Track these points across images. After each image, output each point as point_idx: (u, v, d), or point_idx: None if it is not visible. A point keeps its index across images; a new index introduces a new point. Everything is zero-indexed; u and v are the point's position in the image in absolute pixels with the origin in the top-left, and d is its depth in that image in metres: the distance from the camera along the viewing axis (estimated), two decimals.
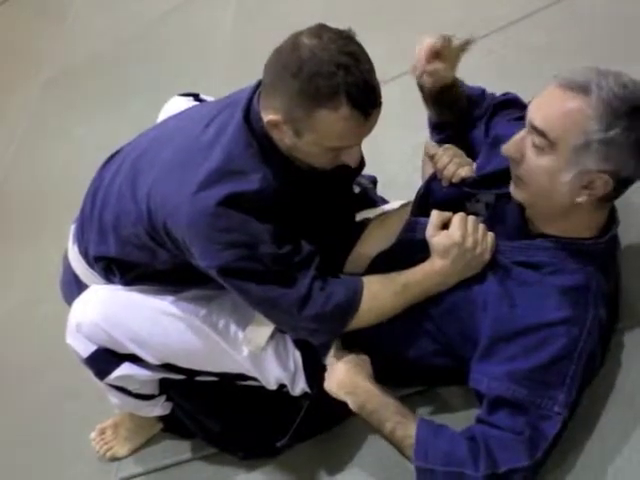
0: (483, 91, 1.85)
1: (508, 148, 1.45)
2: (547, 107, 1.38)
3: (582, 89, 1.34)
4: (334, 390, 1.62)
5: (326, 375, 1.66)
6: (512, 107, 1.79)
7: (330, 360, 1.68)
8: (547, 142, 1.38)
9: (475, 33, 1.72)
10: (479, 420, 1.49)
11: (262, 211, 1.52)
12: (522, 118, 1.70)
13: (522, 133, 1.43)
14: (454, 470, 1.44)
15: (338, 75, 1.41)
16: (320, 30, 1.46)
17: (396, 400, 1.57)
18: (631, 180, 1.42)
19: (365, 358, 1.67)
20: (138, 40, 3.90)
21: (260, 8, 3.54)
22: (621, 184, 1.41)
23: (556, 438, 1.43)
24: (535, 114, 1.40)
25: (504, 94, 1.83)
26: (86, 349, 1.73)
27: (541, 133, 1.38)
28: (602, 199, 1.43)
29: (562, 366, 1.43)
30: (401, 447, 1.52)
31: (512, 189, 1.50)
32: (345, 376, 1.62)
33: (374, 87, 1.46)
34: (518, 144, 1.44)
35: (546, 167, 1.40)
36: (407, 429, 1.51)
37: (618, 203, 1.48)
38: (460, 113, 1.81)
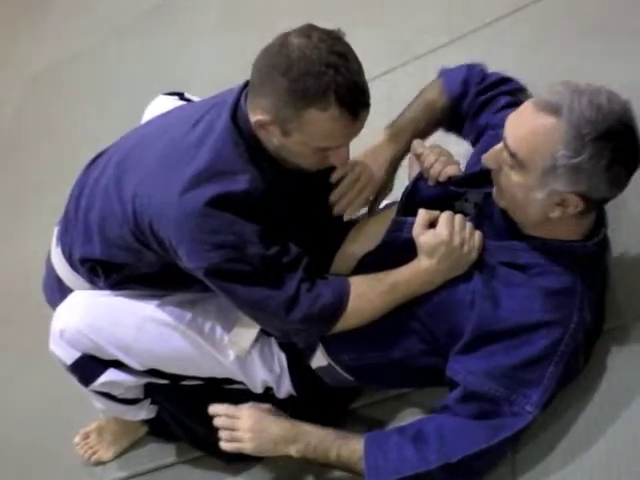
0: (464, 82, 1.76)
1: (487, 158, 1.44)
2: (519, 127, 1.37)
3: (554, 110, 1.32)
4: (270, 450, 1.62)
5: (244, 444, 1.62)
6: (497, 97, 1.74)
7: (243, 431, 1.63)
8: (516, 162, 1.37)
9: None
10: (445, 407, 1.51)
11: (250, 212, 1.51)
12: (509, 105, 1.68)
13: (500, 146, 1.42)
14: (407, 475, 1.47)
15: (328, 75, 1.40)
16: (309, 30, 1.45)
17: (328, 427, 1.60)
18: (606, 200, 1.41)
19: (265, 405, 1.68)
20: (122, 38, 3.87)
21: (243, 7, 3.52)
22: (595, 204, 1.41)
23: (518, 433, 1.45)
24: (508, 132, 1.39)
25: (488, 85, 1.75)
26: (70, 356, 1.71)
27: (511, 153, 1.37)
28: (578, 214, 1.42)
29: (540, 366, 1.44)
30: (351, 465, 1.56)
31: (495, 196, 1.50)
32: (275, 427, 1.61)
33: (363, 88, 1.46)
34: (495, 156, 1.42)
35: (519, 183, 1.39)
36: (350, 445, 1.55)
37: (610, 203, 1.47)
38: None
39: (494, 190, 1.49)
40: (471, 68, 1.79)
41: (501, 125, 1.63)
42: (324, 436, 1.59)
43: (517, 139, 1.36)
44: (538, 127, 1.34)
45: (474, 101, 1.76)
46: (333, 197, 1.67)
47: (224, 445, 1.64)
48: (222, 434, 1.64)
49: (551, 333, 1.43)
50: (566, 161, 1.32)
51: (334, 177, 1.67)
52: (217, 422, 1.65)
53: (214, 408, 1.66)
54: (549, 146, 1.33)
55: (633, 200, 1.59)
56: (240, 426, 1.63)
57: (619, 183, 1.37)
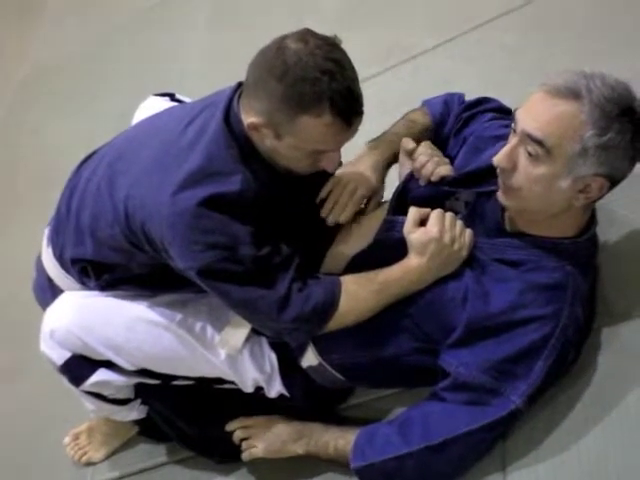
0: (444, 101, 1.82)
1: (499, 159, 1.43)
2: (540, 115, 1.36)
3: (573, 94, 1.33)
4: (278, 450, 1.72)
5: (256, 449, 1.75)
6: (481, 113, 1.77)
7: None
8: (543, 150, 1.36)
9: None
10: (434, 394, 1.55)
11: (242, 212, 1.51)
12: (495, 119, 1.71)
13: (513, 143, 1.41)
14: (390, 456, 1.52)
15: (323, 81, 1.41)
16: (306, 35, 1.45)
17: (330, 423, 1.70)
18: (623, 179, 1.42)
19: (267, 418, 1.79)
20: (113, 40, 3.87)
21: (234, 9, 3.52)
22: (615, 185, 1.42)
23: (500, 422, 1.47)
24: (527, 123, 1.37)
25: (471, 103, 1.80)
26: (60, 356, 1.71)
27: (537, 141, 1.36)
28: (596, 200, 1.44)
29: (529, 360, 1.45)
30: (345, 455, 1.60)
31: (502, 198, 1.49)
32: (282, 426, 1.73)
33: (358, 95, 1.47)
34: (509, 154, 1.41)
35: (542, 175, 1.39)
36: (346, 437, 1.61)
37: (600, 202, 1.48)
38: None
39: (501, 194, 1.48)
40: (451, 94, 1.85)
41: (491, 132, 1.66)
42: (325, 430, 1.67)
43: (542, 127, 1.35)
44: (562, 113, 1.34)
45: (457, 118, 1.78)
46: (325, 210, 1.69)
47: (242, 456, 1.77)
48: (242, 445, 1.77)
49: (542, 327, 1.45)
50: (595, 141, 1.33)
51: (324, 192, 1.69)
52: (236, 437, 1.78)
53: (230, 425, 1.80)
54: (576, 130, 1.34)
55: (623, 198, 1.60)
56: (252, 432, 1.76)
57: (638, 157, 1.39)
